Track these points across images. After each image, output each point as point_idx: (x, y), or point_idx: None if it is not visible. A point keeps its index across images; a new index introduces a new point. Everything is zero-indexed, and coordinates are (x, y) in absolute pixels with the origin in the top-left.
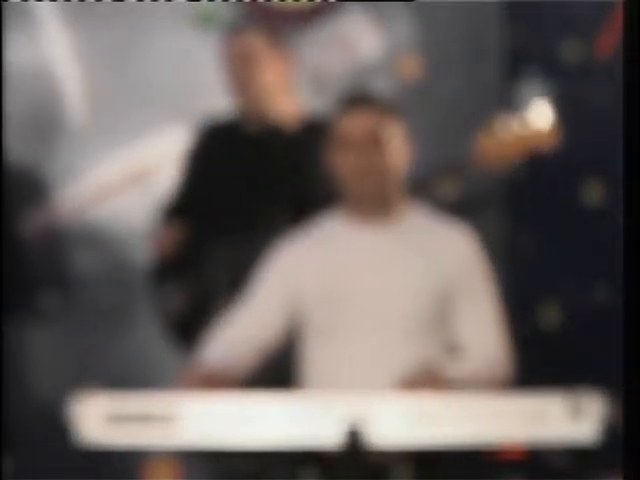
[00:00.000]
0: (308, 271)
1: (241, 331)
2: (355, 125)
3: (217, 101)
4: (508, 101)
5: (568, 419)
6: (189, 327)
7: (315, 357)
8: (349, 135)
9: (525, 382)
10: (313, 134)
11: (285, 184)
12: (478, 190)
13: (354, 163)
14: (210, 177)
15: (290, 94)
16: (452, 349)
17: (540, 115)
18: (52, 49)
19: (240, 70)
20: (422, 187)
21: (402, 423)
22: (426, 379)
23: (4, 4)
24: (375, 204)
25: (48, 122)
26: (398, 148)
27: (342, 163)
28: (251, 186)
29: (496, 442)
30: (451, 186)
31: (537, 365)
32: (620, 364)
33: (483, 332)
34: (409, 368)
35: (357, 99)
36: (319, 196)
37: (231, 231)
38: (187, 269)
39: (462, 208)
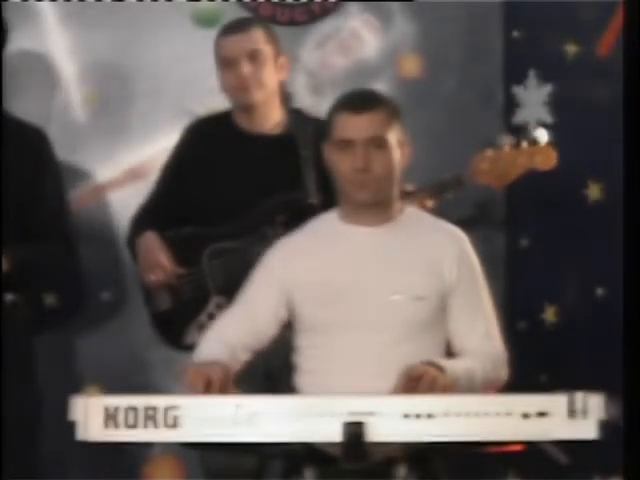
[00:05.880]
0: (304, 270)
1: (235, 329)
2: (358, 127)
3: (217, 101)
4: (508, 101)
5: (568, 419)
6: (180, 324)
7: (310, 355)
8: (351, 137)
9: (525, 382)
10: (308, 134)
11: (280, 183)
12: (477, 207)
13: (355, 165)
14: (204, 176)
15: (287, 94)
16: (448, 349)
17: (539, 137)
18: (52, 49)
19: (243, 67)
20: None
21: (402, 422)
22: (422, 379)
23: (4, 4)
24: (373, 205)
25: (48, 122)
26: (399, 150)
27: (342, 164)
28: (246, 185)
29: (496, 441)
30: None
31: (537, 365)
32: (620, 364)
33: (478, 332)
34: (405, 368)
35: (360, 99)
36: (313, 197)
37: (226, 229)
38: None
39: (462, 222)
